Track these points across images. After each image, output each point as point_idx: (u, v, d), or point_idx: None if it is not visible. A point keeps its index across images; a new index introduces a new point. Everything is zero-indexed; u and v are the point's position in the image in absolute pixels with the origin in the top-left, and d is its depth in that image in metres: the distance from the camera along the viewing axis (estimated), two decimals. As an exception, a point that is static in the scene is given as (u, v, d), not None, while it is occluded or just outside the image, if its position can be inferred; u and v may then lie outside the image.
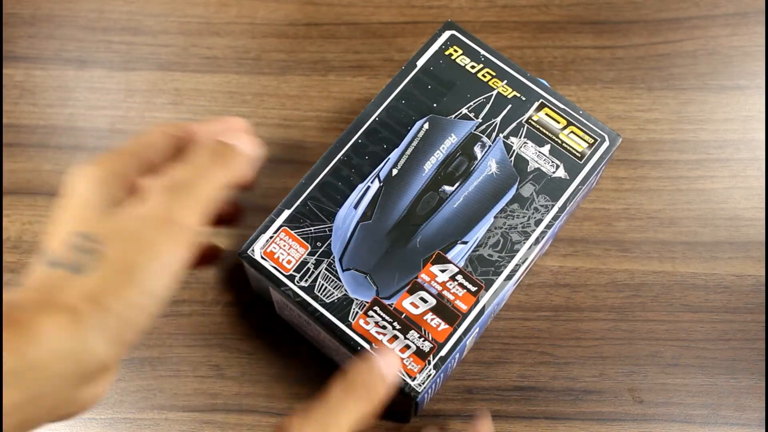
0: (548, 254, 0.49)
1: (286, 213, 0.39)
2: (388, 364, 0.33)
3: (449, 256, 0.39)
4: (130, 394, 0.45)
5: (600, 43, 0.56)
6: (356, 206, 0.40)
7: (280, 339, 0.46)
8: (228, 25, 0.57)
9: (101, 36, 0.56)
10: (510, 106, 0.42)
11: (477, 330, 0.39)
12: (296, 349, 0.46)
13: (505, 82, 0.43)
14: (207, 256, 0.38)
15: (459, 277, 0.38)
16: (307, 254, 0.39)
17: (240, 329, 0.47)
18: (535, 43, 0.56)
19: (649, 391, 0.46)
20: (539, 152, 0.41)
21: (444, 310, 0.37)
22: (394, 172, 0.40)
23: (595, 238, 0.50)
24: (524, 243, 0.39)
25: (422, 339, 0.37)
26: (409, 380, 0.36)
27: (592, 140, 0.41)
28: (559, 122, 0.42)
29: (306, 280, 0.38)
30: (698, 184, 0.52)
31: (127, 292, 0.27)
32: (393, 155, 0.41)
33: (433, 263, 0.38)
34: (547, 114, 0.42)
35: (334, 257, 0.39)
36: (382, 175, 0.40)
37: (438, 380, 0.38)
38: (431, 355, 0.37)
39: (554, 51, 0.56)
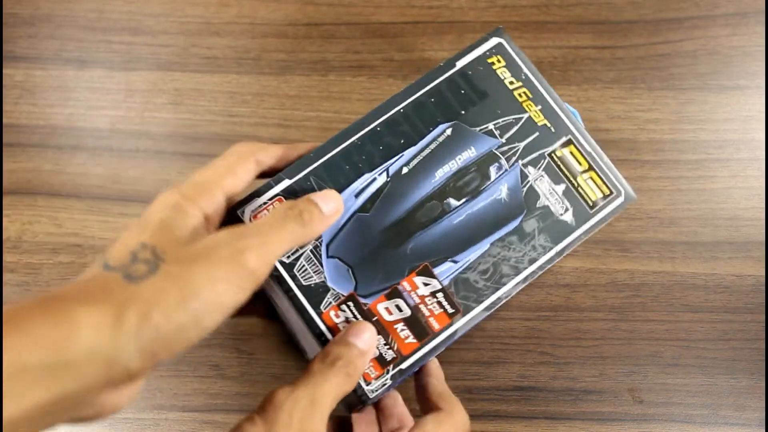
0: (548, 254, 0.49)
1: (286, 182, 0.38)
2: (365, 341, 0.34)
3: (436, 271, 0.38)
4: (130, 394, 0.45)
5: (600, 43, 0.56)
6: (357, 195, 0.39)
7: (280, 339, 0.46)
8: (228, 25, 0.57)
9: (101, 36, 0.56)
10: (537, 134, 0.40)
11: (441, 349, 0.39)
12: (296, 349, 0.46)
13: (539, 107, 0.41)
14: (254, 309, 0.40)
15: (440, 295, 0.37)
16: None
17: (240, 329, 0.47)
18: (535, 43, 0.56)
19: (649, 391, 0.46)
20: (553, 190, 0.39)
21: (416, 324, 0.37)
22: (405, 170, 0.39)
23: (595, 238, 0.50)
24: (512, 278, 0.38)
25: (387, 347, 0.36)
26: (363, 384, 0.36)
27: (608, 192, 0.40)
28: (581, 164, 0.40)
29: (288, 257, 0.37)
30: (698, 184, 0.52)
31: (175, 310, 0.27)
32: (408, 153, 0.39)
33: (418, 274, 0.38)
34: (571, 152, 0.40)
35: (321, 241, 0.38)
36: (392, 170, 0.39)
37: (391, 389, 0.37)
38: (391, 365, 0.36)
39: (554, 51, 0.56)
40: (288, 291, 0.37)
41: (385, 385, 0.36)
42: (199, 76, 0.55)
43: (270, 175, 0.38)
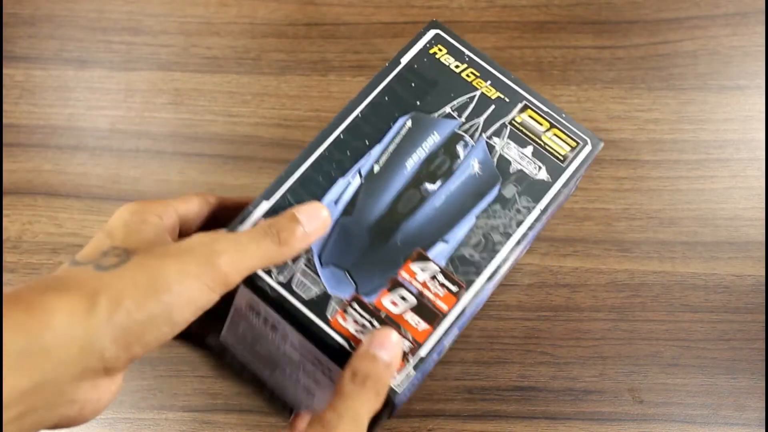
0: (548, 254, 0.49)
1: (265, 205, 0.39)
2: (389, 350, 0.34)
3: (430, 254, 0.38)
4: (130, 394, 0.45)
5: (600, 43, 0.56)
6: (336, 202, 0.39)
7: (280, 339, 0.46)
8: (228, 25, 0.57)
9: (101, 36, 0.56)
10: (493, 106, 0.42)
11: (456, 331, 0.39)
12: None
13: (489, 82, 0.43)
14: None
15: (440, 277, 0.38)
16: None
17: (240, 329, 0.47)
18: (535, 43, 0.56)
19: (649, 391, 0.46)
20: (522, 153, 0.41)
21: (424, 309, 0.37)
22: (376, 168, 0.40)
23: (595, 238, 0.50)
24: (505, 244, 0.39)
25: (402, 338, 0.37)
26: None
27: (575, 143, 0.41)
28: (542, 124, 0.42)
29: (284, 276, 0.38)
30: (698, 184, 0.52)
31: (146, 298, 0.27)
32: (375, 151, 0.40)
33: (413, 261, 0.38)
34: (530, 116, 0.42)
35: (312, 253, 0.38)
36: (364, 171, 0.40)
37: (416, 382, 0.37)
38: (411, 355, 0.36)
39: (554, 51, 0.56)
40: (290, 310, 0.36)
41: (409, 376, 0.36)
42: (199, 76, 0.55)
43: (222, 224, 0.38)
